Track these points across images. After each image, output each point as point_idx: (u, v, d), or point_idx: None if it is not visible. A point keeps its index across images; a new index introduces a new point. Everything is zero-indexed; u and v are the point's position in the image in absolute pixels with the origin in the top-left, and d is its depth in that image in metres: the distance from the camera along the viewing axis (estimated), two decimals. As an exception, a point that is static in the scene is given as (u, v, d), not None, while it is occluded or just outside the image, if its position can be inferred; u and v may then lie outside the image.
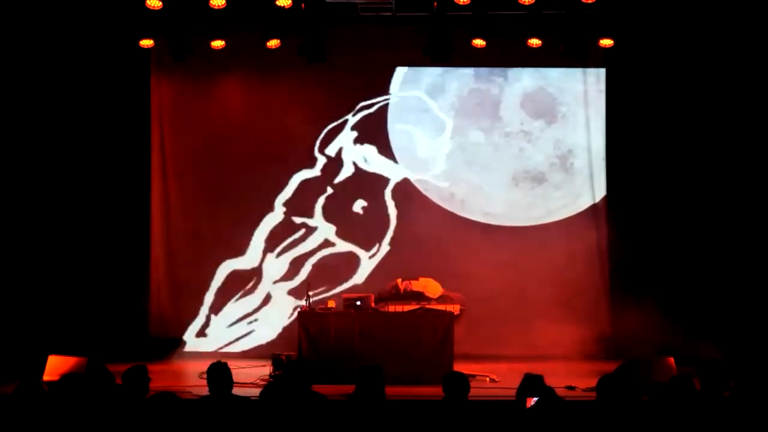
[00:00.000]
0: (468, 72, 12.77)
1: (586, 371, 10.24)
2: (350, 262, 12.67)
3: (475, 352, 11.35)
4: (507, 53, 12.35)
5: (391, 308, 10.35)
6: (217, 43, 11.65)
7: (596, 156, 12.64)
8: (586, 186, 12.64)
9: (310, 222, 12.74)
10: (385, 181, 12.75)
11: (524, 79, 12.81)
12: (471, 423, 6.13)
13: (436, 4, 11.44)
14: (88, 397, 6.43)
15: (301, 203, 12.76)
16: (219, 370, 6.51)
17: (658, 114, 12.30)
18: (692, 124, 12.20)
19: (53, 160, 12.09)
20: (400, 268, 11.67)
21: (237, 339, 12.57)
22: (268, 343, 12.30)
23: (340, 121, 12.77)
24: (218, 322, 12.65)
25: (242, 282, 12.70)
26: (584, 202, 12.67)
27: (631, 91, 12.38)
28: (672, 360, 9.38)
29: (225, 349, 12.40)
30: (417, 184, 12.73)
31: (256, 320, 12.61)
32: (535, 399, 6.08)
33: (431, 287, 10.81)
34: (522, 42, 11.58)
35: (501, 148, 12.77)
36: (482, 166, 12.74)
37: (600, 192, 12.63)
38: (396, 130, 12.79)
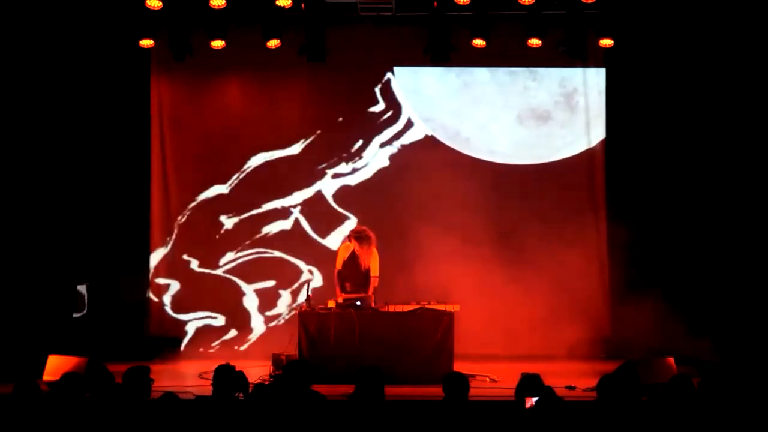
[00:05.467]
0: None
1: (586, 371, 10.24)
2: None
3: (475, 352, 11.35)
4: (507, 53, 12.35)
5: (391, 308, 10.34)
6: (217, 43, 11.66)
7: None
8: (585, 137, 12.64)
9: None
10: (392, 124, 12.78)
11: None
12: (471, 423, 6.13)
13: (436, 4, 11.45)
14: (88, 397, 6.43)
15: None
16: (225, 373, 6.52)
17: (658, 114, 12.30)
18: (693, 124, 12.20)
19: (54, 160, 12.07)
20: (401, 203, 12.09)
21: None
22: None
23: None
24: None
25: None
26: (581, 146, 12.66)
27: (631, 91, 12.38)
28: (672, 360, 9.38)
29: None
30: (424, 123, 12.71)
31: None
32: (535, 399, 6.08)
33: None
34: (522, 42, 11.59)
35: (506, 86, 12.73)
36: (488, 104, 12.69)
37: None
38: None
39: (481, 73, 12.74)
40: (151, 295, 12.61)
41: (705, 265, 12.00)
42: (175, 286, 12.68)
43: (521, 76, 12.74)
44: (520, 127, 12.73)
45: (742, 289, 11.81)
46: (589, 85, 12.63)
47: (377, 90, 12.74)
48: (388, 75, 12.75)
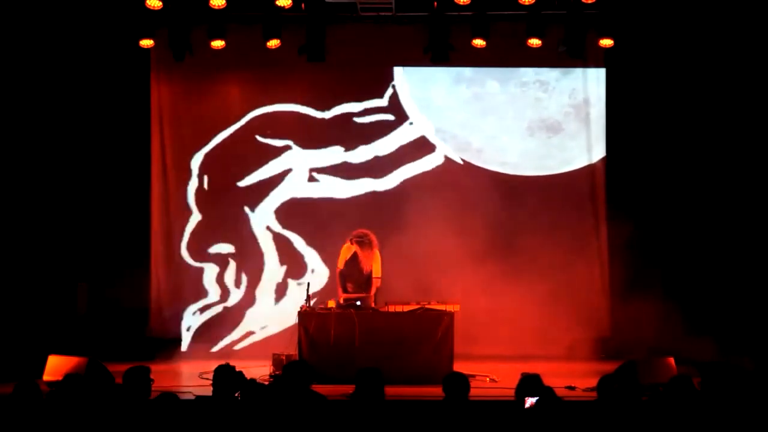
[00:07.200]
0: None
1: (586, 371, 10.25)
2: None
3: (475, 352, 11.35)
4: (507, 53, 12.35)
5: (392, 308, 10.34)
6: (217, 43, 11.66)
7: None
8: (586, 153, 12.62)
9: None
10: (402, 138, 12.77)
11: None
12: (471, 423, 6.12)
13: (436, 4, 11.45)
14: (88, 397, 6.43)
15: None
16: (225, 373, 6.53)
17: (658, 114, 12.31)
18: (693, 124, 12.21)
19: (54, 160, 12.11)
20: (410, 216, 11.93)
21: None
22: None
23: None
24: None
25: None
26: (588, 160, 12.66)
27: (631, 91, 12.38)
28: (672, 360, 9.39)
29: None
30: (435, 134, 12.72)
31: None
32: (535, 399, 6.08)
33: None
34: (522, 42, 11.59)
35: (517, 97, 12.73)
36: (498, 116, 12.68)
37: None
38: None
39: (492, 85, 12.73)
40: (151, 295, 12.61)
41: (704, 266, 12.01)
42: (174, 285, 12.70)
43: (531, 87, 12.72)
44: (531, 138, 12.71)
45: (741, 289, 11.82)
46: (599, 95, 12.58)
47: (378, 92, 12.75)
48: (394, 79, 12.74)
